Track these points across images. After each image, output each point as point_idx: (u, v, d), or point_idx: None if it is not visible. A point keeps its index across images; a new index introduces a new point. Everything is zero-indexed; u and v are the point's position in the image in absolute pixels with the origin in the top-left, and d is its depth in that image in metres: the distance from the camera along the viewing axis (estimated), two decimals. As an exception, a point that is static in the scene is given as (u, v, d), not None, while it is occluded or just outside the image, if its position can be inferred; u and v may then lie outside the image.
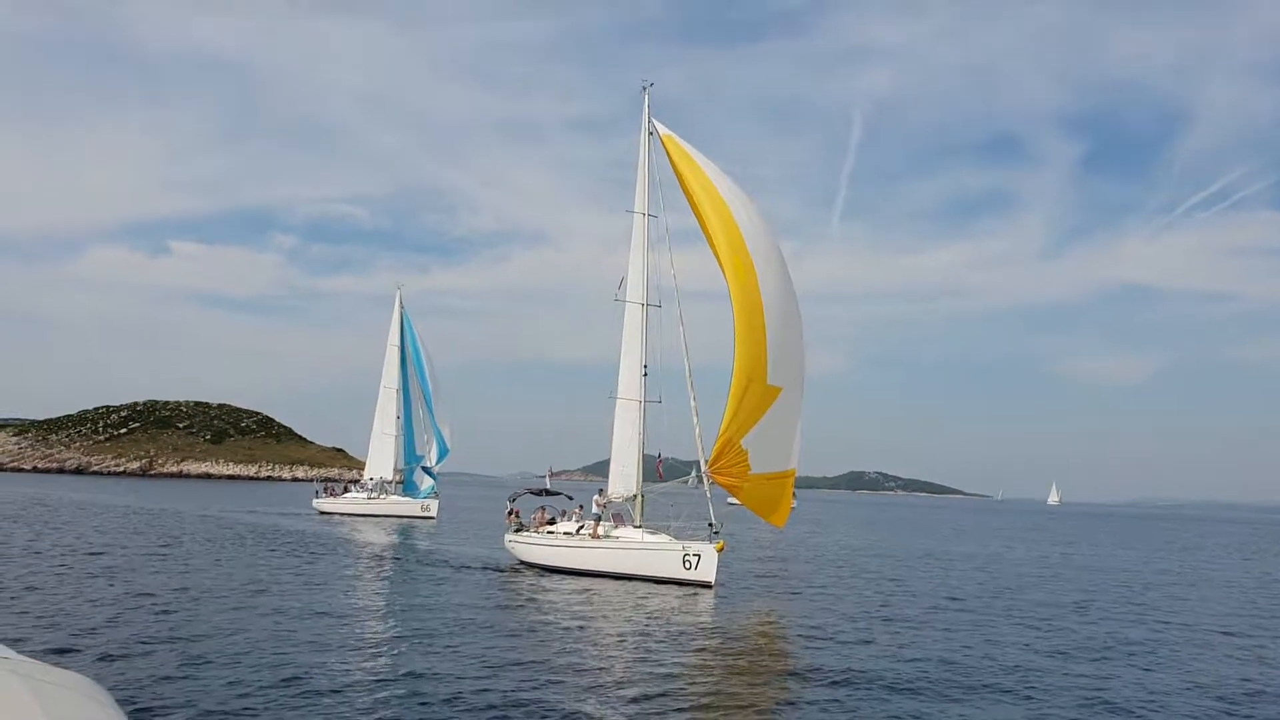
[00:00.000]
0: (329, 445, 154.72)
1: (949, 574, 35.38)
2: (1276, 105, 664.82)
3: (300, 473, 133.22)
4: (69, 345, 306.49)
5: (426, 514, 62.59)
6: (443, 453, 65.96)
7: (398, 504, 64.47)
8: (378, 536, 43.73)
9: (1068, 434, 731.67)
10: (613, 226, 36.19)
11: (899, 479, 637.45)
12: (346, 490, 71.07)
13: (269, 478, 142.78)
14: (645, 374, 31.40)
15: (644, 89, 32.24)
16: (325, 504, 65.30)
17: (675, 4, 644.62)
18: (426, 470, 66.45)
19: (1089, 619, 24.05)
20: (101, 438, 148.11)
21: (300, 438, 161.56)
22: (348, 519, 58.97)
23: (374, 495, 66.28)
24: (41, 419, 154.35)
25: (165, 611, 19.20)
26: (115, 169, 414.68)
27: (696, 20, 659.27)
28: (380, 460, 69.50)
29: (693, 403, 28.92)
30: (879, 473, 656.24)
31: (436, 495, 65.14)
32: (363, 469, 75.29)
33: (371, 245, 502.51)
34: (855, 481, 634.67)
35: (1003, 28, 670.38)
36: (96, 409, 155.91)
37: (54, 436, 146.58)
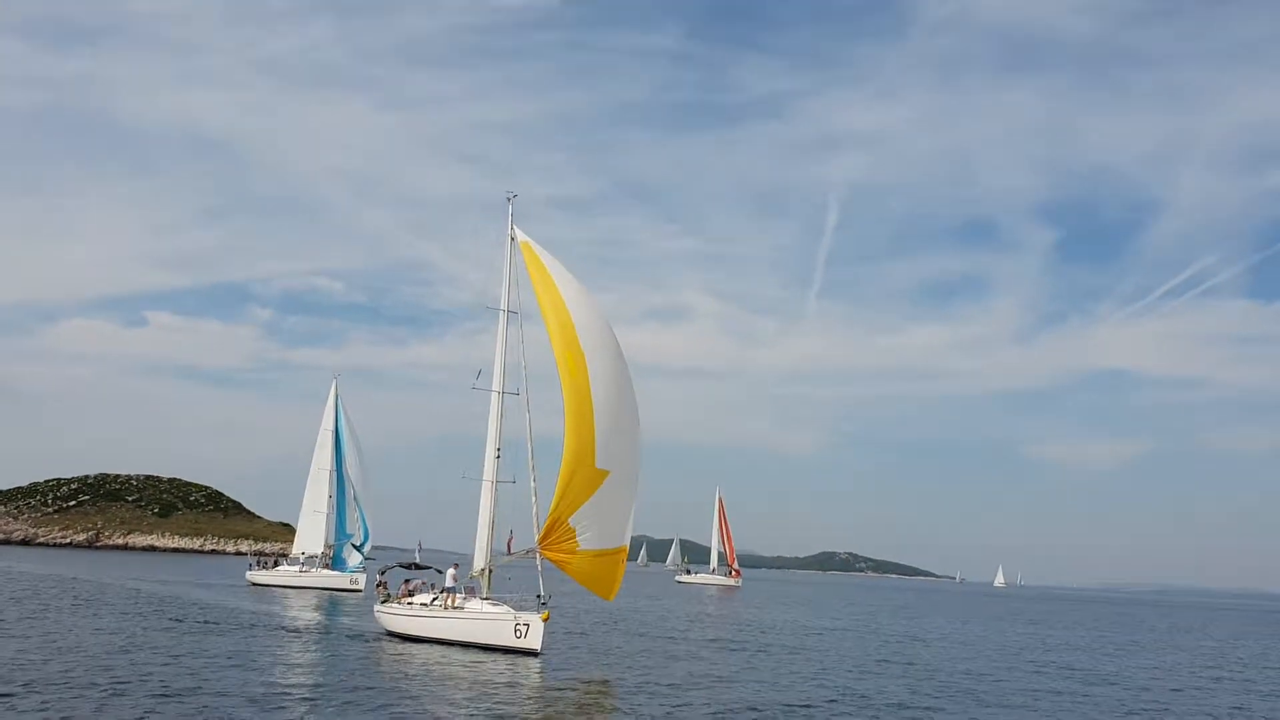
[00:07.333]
0: (277, 520, 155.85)
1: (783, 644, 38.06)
2: (1245, 194, 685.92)
3: (244, 547, 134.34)
4: (38, 415, 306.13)
5: (354, 587, 65.29)
6: (365, 536, 68.89)
7: (327, 577, 67.17)
8: (280, 608, 45.82)
9: (1041, 518, 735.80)
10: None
11: (870, 560, 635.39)
12: (277, 564, 73.45)
13: (213, 551, 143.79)
14: (499, 456, 34.28)
15: (508, 199, 35.63)
16: (258, 576, 67.72)
17: (658, 89, 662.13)
18: (356, 547, 69.25)
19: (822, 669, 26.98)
20: (50, 509, 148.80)
21: (248, 512, 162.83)
22: (279, 590, 61.13)
23: (305, 568, 68.78)
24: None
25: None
26: (96, 243, 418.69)
27: (678, 104, 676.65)
28: (310, 536, 72.11)
29: (532, 483, 31.73)
30: (850, 553, 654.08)
31: (364, 570, 67.63)
32: (303, 545, 77.44)
33: (347, 318, 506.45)
34: (826, 562, 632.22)
35: (978, 116, 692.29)
36: (47, 481, 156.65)
37: (2, 507, 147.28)
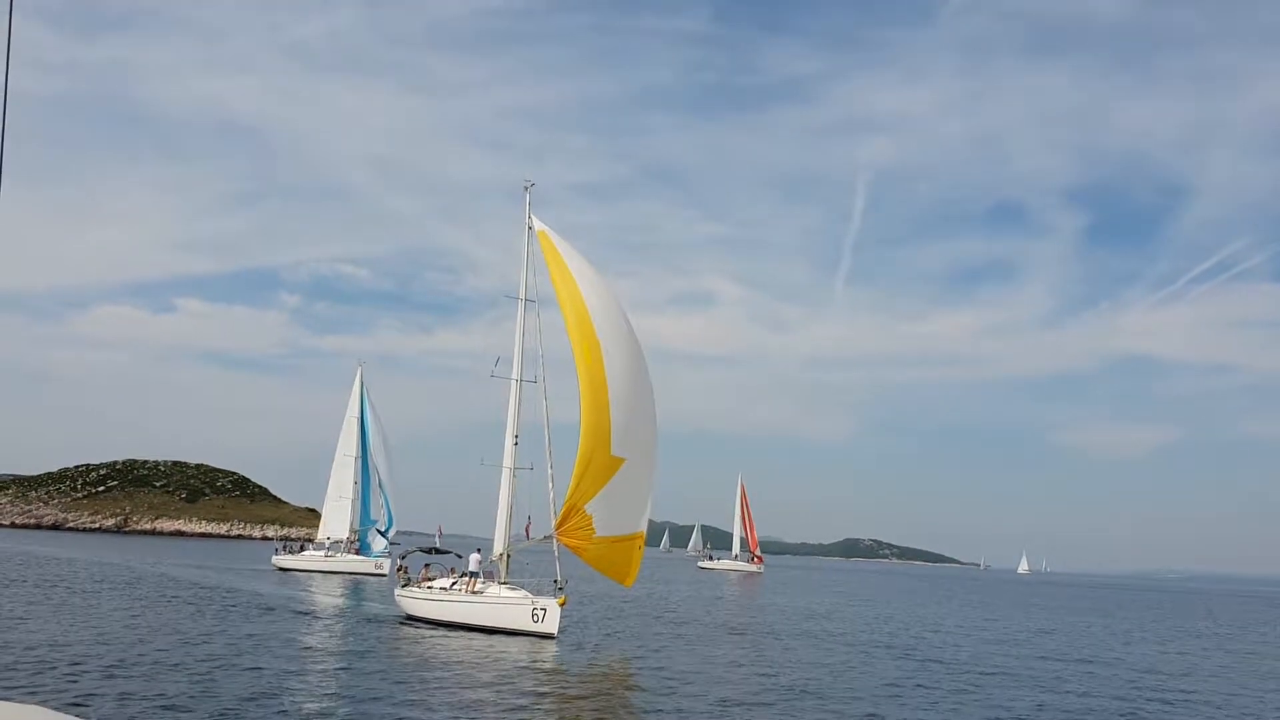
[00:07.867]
0: (303, 505, 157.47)
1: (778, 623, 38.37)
2: (1276, 178, 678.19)
3: (270, 532, 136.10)
4: (68, 401, 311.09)
5: (379, 571, 66.16)
6: (390, 522, 69.72)
7: (353, 561, 68.08)
8: (305, 592, 46.55)
9: (1067, 505, 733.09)
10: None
11: (894, 547, 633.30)
12: (302, 549, 74.46)
13: (239, 536, 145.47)
14: (517, 443, 34.68)
15: (525, 189, 35.87)
16: (284, 560, 68.63)
17: (684, 73, 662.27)
18: (381, 532, 70.15)
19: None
20: (79, 495, 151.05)
21: (274, 497, 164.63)
22: (304, 575, 61.90)
23: (330, 553, 69.75)
24: (28, 475, 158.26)
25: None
26: (125, 229, 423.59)
27: (703, 88, 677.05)
28: (335, 522, 73.07)
29: (549, 470, 32.12)
30: (874, 540, 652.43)
31: (389, 555, 68.48)
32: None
33: (374, 305, 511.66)
34: (851, 549, 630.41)
35: (1005, 100, 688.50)
36: (77, 466, 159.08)
37: (33, 493, 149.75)
